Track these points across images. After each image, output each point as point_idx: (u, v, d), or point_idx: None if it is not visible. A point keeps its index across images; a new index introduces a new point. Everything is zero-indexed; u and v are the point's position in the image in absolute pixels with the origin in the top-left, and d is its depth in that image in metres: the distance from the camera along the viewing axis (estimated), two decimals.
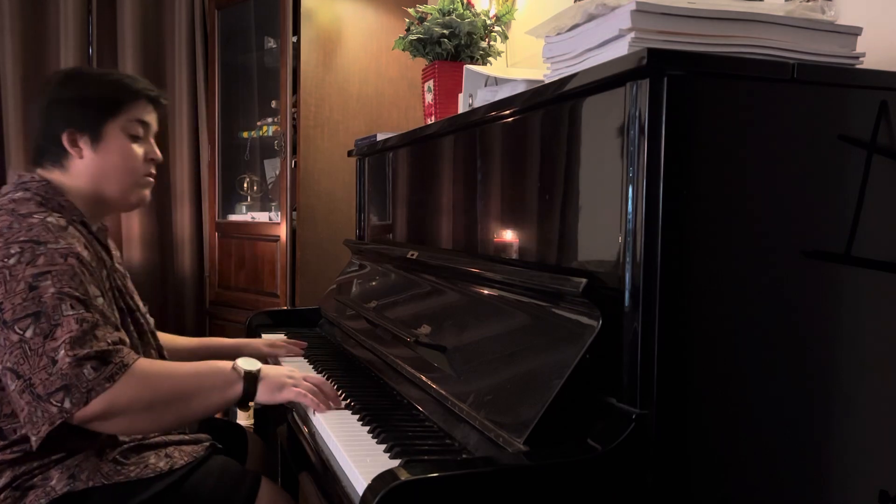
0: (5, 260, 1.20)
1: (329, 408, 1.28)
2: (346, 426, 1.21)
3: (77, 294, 1.19)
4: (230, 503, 1.30)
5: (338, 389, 1.42)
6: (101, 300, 1.24)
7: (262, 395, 1.28)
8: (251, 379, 1.28)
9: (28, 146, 1.44)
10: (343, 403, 1.33)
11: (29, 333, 1.15)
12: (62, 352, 1.13)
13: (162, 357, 1.48)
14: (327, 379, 1.50)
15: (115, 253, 1.50)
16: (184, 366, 1.29)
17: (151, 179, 1.46)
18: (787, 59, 1.00)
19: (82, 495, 1.22)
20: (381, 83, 2.94)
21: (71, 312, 1.17)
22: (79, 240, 1.28)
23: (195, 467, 1.32)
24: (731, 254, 0.95)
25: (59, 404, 1.12)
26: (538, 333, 1.08)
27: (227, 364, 1.29)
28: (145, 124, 1.43)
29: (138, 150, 1.42)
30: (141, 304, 1.49)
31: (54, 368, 1.13)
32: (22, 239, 1.22)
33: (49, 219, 1.26)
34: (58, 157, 1.37)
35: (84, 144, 1.36)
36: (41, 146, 1.39)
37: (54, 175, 1.37)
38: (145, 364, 1.21)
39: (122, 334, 1.24)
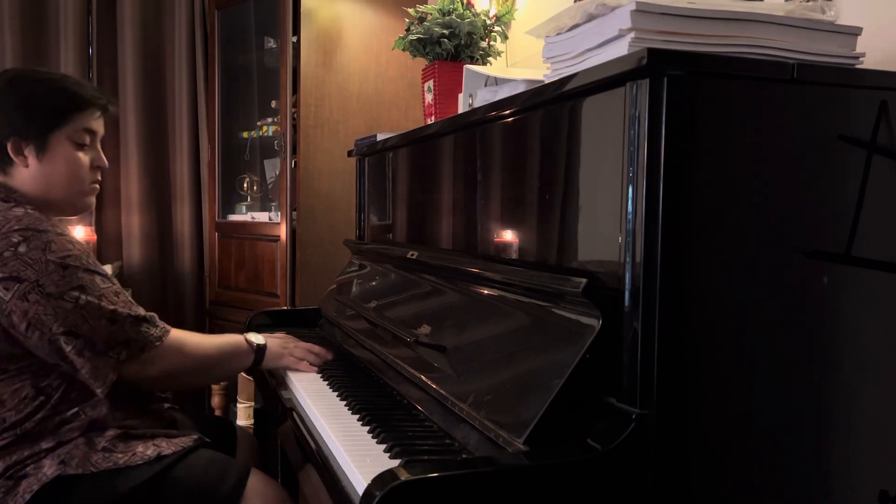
0: (13, 249, 1.26)
1: (317, 366, 1.59)
2: (346, 426, 1.21)
3: (100, 270, 1.34)
4: (218, 490, 1.32)
5: (338, 389, 1.43)
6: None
7: (267, 363, 1.57)
8: (260, 350, 1.56)
9: None
10: (343, 403, 1.33)
11: (83, 301, 1.28)
12: (124, 312, 1.32)
13: None
14: (327, 379, 1.52)
15: None
16: (209, 337, 1.53)
17: (97, 186, 1.48)
18: (787, 59, 1.00)
19: (72, 481, 1.25)
20: (381, 83, 2.94)
21: (105, 285, 1.32)
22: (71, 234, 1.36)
23: (182, 456, 1.35)
24: (731, 254, 0.95)
25: (117, 355, 1.30)
26: (538, 333, 1.08)
27: (239, 336, 1.56)
28: (92, 132, 1.44)
29: (84, 158, 1.43)
30: None
31: (115, 327, 1.30)
32: (17, 228, 1.28)
33: (30, 210, 1.33)
34: (2, 163, 1.38)
35: (29, 153, 1.37)
36: None
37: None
38: (182, 332, 1.43)
39: None
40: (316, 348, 1.64)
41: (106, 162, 1.49)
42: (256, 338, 1.58)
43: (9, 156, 1.37)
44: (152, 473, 1.29)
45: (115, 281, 1.37)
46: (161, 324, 1.39)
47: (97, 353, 1.28)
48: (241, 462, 1.44)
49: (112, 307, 1.31)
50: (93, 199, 1.49)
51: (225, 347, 1.53)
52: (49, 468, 1.26)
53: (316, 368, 1.58)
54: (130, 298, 1.37)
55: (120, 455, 1.30)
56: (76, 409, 1.32)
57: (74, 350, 1.27)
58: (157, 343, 1.36)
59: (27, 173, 1.38)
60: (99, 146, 1.47)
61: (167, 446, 1.35)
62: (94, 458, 1.28)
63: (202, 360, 1.47)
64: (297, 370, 1.58)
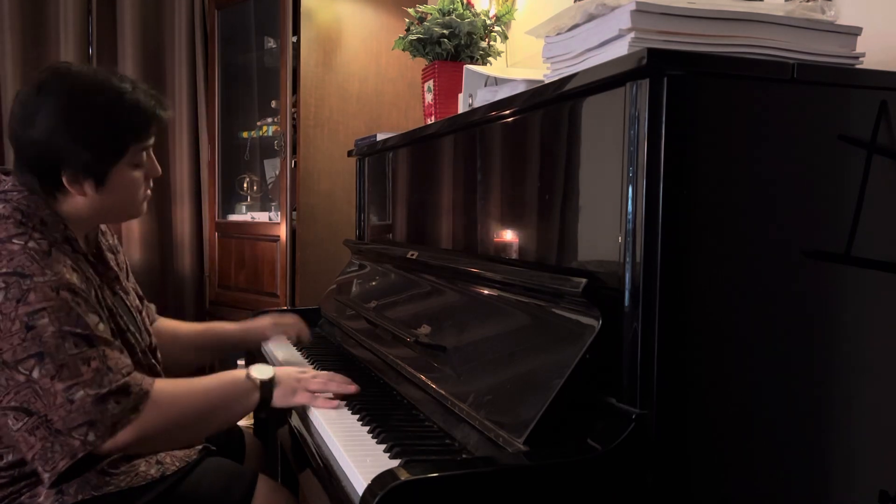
0: None
1: (341, 405, 1.31)
2: (346, 426, 1.21)
3: (77, 331, 1.14)
4: (227, 501, 1.29)
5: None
6: (101, 325, 1.19)
7: (278, 401, 1.32)
8: (266, 387, 1.31)
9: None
10: (343, 403, 1.33)
11: (36, 374, 1.11)
12: (81, 392, 1.11)
13: (155, 371, 1.40)
14: None
15: (109, 256, 1.42)
16: (201, 382, 1.29)
17: (149, 193, 1.38)
18: (787, 59, 1.00)
19: None
20: (381, 83, 2.94)
21: (75, 351, 1.13)
22: (65, 264, 1.19)
23: (188, 472, 1.30)
24: (731, 253, 0.95)
25: (82, 437, 1.11)
26: (538, 333, 1.08)
27: (240, 374, 1.32)
28: (148, 147, 1.34)
29: (140, 175, 1.32)
30: (135, 307, 1.43)
31: (73, 406, 1.10)
32: (4, 271, 1.13)
33: (31, 244, 1.17)
34: (52, 187, 1.25)
35: (88, 186, 1.25)
36: (33, 168, 1.24)
37: (41, 194, 1.25)
38: (163, 385, 1.21)
39: (127, 356, 1.21)
40: (338, 377, 1.38)
41: (159, 169, 1.38)
42: (261, 371, 1.33)
43: (62, 184, 1.23)
44: (158, 493, 1.24)
45: (98, 338, 1.16)
46: (138, 388, 1.16)
47: (54, 432, 1.10)
48: (248, 468, 1.40)
49: (70, 384, 1.10)
50: (145, 206, 1.38)
51: (221, 393, 1.29)
52: (45, 498, 1.18)
53: (336, 404, 1.31)
54: (114, 361, 1.16)
55: (122, 477, 1.23)
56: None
57: (25, 428, 1.10)
58: (132, 416, 1.14)
59: (82, 202, 1.26)
60: (152, 154, 1.36)
61: (171, 462, 1.29)
62: (93, 482, 1.20)
63: (193, 414, 1.25)
64: (314, 407, 1.31)
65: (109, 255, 1.43)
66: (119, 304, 1.35)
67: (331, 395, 1.33)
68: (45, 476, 1.12)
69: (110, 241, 1.48)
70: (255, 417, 2.26)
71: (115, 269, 1.42)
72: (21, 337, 1.11)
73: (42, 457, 1.11)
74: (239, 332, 1.76)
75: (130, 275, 1.54)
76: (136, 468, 1.26)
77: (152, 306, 1.61)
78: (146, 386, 1.18)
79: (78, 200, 1.26)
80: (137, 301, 1.48)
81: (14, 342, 1.11)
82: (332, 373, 1.39)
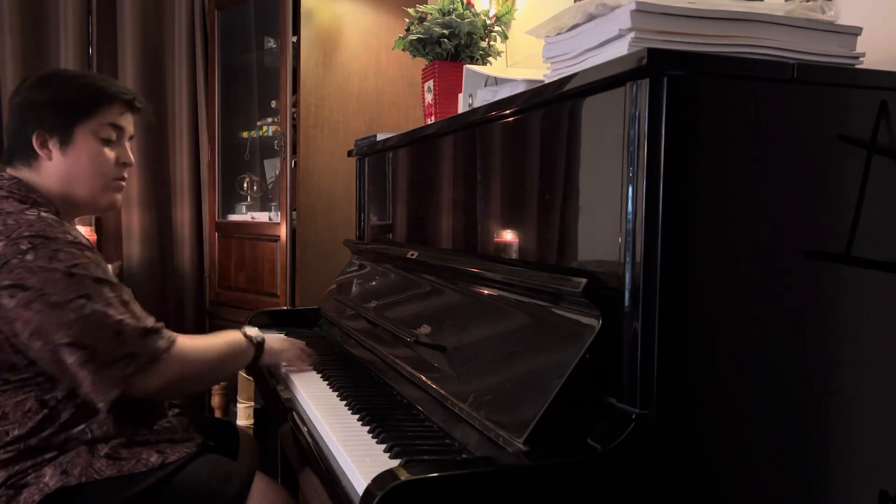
0: (20, 256, 1.22)
1: (308, 366, 1.61)
2: (346, 426, 1.21)
3: (109, 279, 1.30)
4: (222, 497, 1.31)
5: (338, 389, 1.43)
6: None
7: (266, 359, 1.57)
8: (259, 346, 1.56)
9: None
10: (343, 403, 1.34)
11: (87, 311, 1.23)
12: (131, 323, 1.27)
13: None
14: (327, 379, 1.53)
15: None
16: (211, 339, 1.49)
17: (122, 184, 1.47)
18: (787, 59, 1.00)
19: (75, 490, 1.23)
20: (381, 83, 2.94)
21: (113, 294, 1.28)
22: (75, 230, 1.34)
23: (186, 462, 1.33)
24: (730, 254, 0.95)
25: (122, 369, 1.25)
26: (538, 333, 1.08)
27: (238, 333, 1.54)
28: (119, 128, 1.43)
29: (110, 153, 1.42)
30: None
31: (121, 338, 1.25)
32: (27, 234, 1.25)
33: (42, 213, 1.30)
34: (27, 157, 1.38)
35: (53, 146, 1.37)
36: (11, 145, 1.40)
37: (23, 173, 1.38)
38: (184, 339, 1.39)
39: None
40: (307, 349, 1.66)
41: (132, 159, 1.47)
42: (254, 332, 1.57)
43: (34, 149, 1.36)
44: (156, 480, 1.27)
45: (126, 291, 1.34)
46: (167, 333, 1.35)
47: (101, 365, 1.23)
48: (245, 466, 1.43)
49: (119, 318, 1.26)
50: (118, 197, 1.47)
51: (227, 349, 1.50)
52: (51, 478, 1.23)
53: (312, 368, 1.60)
54: (139, 309, 1.34)
55: (124, 462, 1.28)
56: (83, 426, 1.30)
57: (77, 362, 1.22)
58: (164, 355, 1.31)
59: (51, 167, 1.37)
60: (126, 144, 1.46)
61: (171, 453, 1.33)
62: (97, 466, 1.26)
63: (207, 365, 1.44)
64: (294, 368, 1.60)
65: None
66: None
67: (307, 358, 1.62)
68: (100, 405, 1.25)
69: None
70: (254, 417, 2.26)
71: None
72: (66, 283, 1.23)
73: (95, 388, 1.24)
74: None
75: None
76: (137, 455, 1.30)
77: None
78: (172, 335, 1.36)
79: (48, 169, 1.38)
80: None
81: (60, 287, 1.23)
82: (300, 342, 1.67)
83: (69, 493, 1.23)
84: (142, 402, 1.36)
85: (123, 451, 1.30)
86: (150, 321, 1.33)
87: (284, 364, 1.61)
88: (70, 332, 1.22)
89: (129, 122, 1.46)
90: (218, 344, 1.49)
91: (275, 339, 1.62)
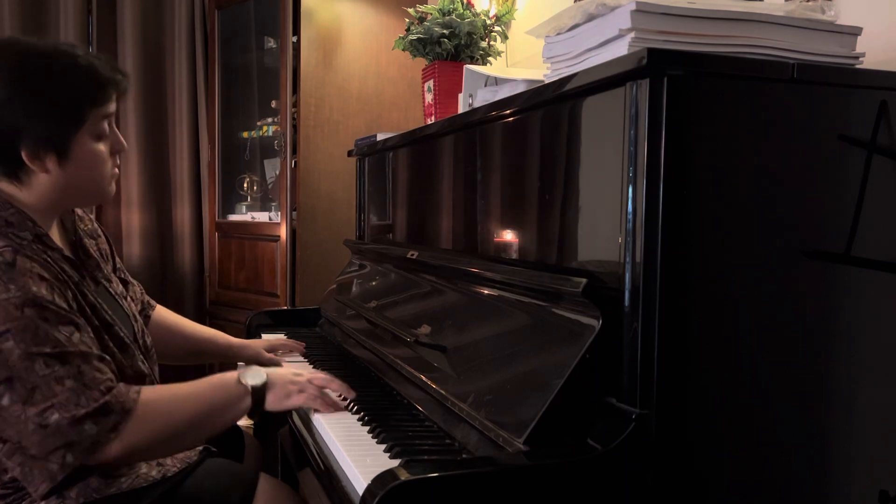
0: None
1: (339, 408, 1.30)
2: (346, 426, 1.21)
3: (46, 350, 1.08)
4: (228, 501, 1.29)
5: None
6: (76, 336, 1.12)
7: (271, 405, 1.28)
8: (259, 391, 1.27)
9: None
10: (345, 403, 1.33)
11: (6, 401, 1.06)
12: (55, 415, 1.06)
13: (148, 356, 1.37)
14: None
15: (89, 242, 1.37)
16: (190, 388, 1.23)
17: (117, 172, 1.30)
18: (787, 59, 1.00)
19: None
20: (381, 83, 2.94)
21: (46, 372, 1.07)
22: (31, 273, 1.11)
23: (189, 472, 1.29)
24: (730, 253, 0.95)
25: (59, 461, 1.07)
26: (538, 333, 1.08)
27: (231, 377, 1.27)
28: (110, 116, 1.25)
29: (104, 148, 1.24)
30: (119, 293, 1.38)
31: (48, 431, 1.05)
32: None
33: (3, 242, 1.12)
34: (11, 169, 1.17)
35: (50, 161, 1.17)
36: None
37: (2, 185, 1.19)
38: (149, 396, 1.16)
39: (109, 364, 1.15)
40: (336, 384, 1.34)
41: (125, 144, 1.30)
42: (253, 377, 1.28)
43: (22, 162, 1.16)
44: (159, 494, 1.22)
45: (72, 353, 1.09)
46: (117, 405, 1.10)
47: (30, 458, 1.07)
48: (249, 468, 1.40)
49: (43, 406, 1.05)
50: (113, 187, 1.30)
51: (211, 399, 1.24)
52: (48, 502, 1.13)
53: (334, 409, 1.29)
54: (85, 379, 1.09)
55: (123, 479, 1.21)
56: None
57: (3, 453, 1.08)
58: (112, 435, 1.09)
59: (46, 180, 1.18)
60: (115, 127, 1.28)
61: (172, 464, 1.28)
62: (94, 485, 1.17)
63: (181, 426, 1.20)
64: (313, 408, 1.31)
65: (89, 241, 1.38)
66: (103, 296, 1.30)
67: (334, 389, 1.32)
68: (35, 495, 1.10)
69: (89, 226, 1.43)
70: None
71: (96, 255, 1.37)
72: None
73: (24, 479, 1.09)
74: (238, 346, 1.76)
75: (116, 258, 1.50)
76: (137, 470, 1.24)
77: (137, 288, 1.56)
78: (128, 404, 1.12)
79: (42, 182, 1.19)
80: (122, 287, 1.44)
81: None
82: (330, 375, 1.36)
83: None
84: None
85: (123, 467, 1.22)
86: (92, 397, 1.08)
87: (309, 408, 1.32)
88: None
89: (114, 103, 1.27)
90: (200, 393, 1.24)
91: (283, 380, 1.30)
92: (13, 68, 1.15)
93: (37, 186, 1.19)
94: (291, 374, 1.33)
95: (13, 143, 1.15)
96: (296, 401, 1.29)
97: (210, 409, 1.23)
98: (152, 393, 1.18)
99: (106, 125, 1.23)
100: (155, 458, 1.25)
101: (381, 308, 1.63)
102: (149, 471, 1.25)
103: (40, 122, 1.15)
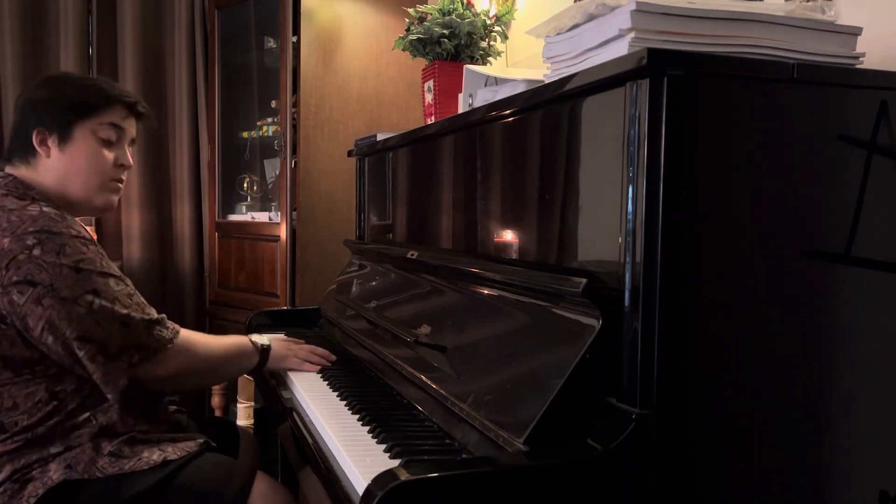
0: (27, 252, 1.25)
1: (325, 362, 1.62)
2: (346, 426, 1.21)
3: (114, 272, 1.34)
4: (223, 495, 1.31)
5: (338, 389, 1.43)
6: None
7: (271, 364, 1.59)
8: (264, 352, 1.58)
9: None
10: (343, 403, 1.33)
11: (96, 306, 1.28)
12: (136, 315, 1.32)
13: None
14: (327, 379, 1.52)
15: None
16: (215, 337, 1.52)
17: (119, 185, 1.49)
18: (787, 59, 1.00)
19: (78, 486, 1.25)
20: (381, 83, 2.94)
21: (118, 288, 1.33)
22: (77, 223, 1.35)
23: (188, 461, 1.34)
24: (730, 253, 0.95)
25: (128, 359, 1.30)
26: (538, 333, 1.08)
27: (245, 338, 1.58)
28: (118, 129, 1.45)
29: (108, 154, 1.44)
30: None
31: (128, 330, 1.30)
32: (32, 229, 1.27)
33: (45, 209, 1.33)
34: (25, 154, 1.40)
35: (52, 143, 1.39)
36: (12, 143, 1.43)
37: (20, 171, 1.40)
38: (190, 333, 1.44)
39: None
40: (319, 350, 1.65)
41: (131, 161, 1.50)
42: (261, 339, 1.59)
43: (33, 146, 1.39)
44: (157, 479, 1.29)
45: (129, 282, 1.37)
46: (171, 325, 1.39)
47: (109, 357, 1.28)
48: (246, 465, 1.43)
49: (125, 311, 1.31)
50: (114, 199, 1.49)
51: (231, 348, 1.53)
52: (55, 472, 1.26)
53: (318, 368, 1.60)
54: (143, 300, 1.38)
55: (126, 460, 1.30)
56: (88, 415, 1.32)
57: (87, 355, 1.27)
58: (169, 345, 1.36)
59: (49, 164, 1.39)
60: (126, 147, 1.49)
61: (173, 451, 1.34)
62: (100, 463, 1.28)
63: (210, 360, 1.48)
64: (300, 371, 1.59)
65: None
66: None
67: (316, 362, 1.61)
68: (110, 395, 1.30)
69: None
70: (254, 417, 2.26)
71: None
72: (74, 278, 1.27)
73: (104, 379, 1.28)
74: None
75: None
76: (139, 453, 1.32)
77: None
78: (177, 326, 1.40)
79: (46, 165, 1.40)
80: None
81: (69, 282, 1.26)
82: (314, 346, 1.67)
83: (71, 489, 1.25)
84: (145, 395, 1.39)
85: (126, 448, 1.32)
86: (153, 313, 1.36)
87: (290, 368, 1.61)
88: (80, 326, 1.26)
89: (130, 125, 1.48)
90: (223, 342, 1.53)
91: (281, 346, 1.62)
92: (43, 80, 1.46)
93: (41, 170, 1.40)
94: (286, 342, 1.66)
95: (27, 127, 1.40)
96: (290, 362, 1.60)
97: (231, 355, 1.53)
98: (189, 331, 1.44)
99: (114, 135, 1.44)
100: (186, 387, 1.64)
101: (380, 308, 1.64)
102: (150, 455, 1.32)
103: (50, 110, 1.40)
